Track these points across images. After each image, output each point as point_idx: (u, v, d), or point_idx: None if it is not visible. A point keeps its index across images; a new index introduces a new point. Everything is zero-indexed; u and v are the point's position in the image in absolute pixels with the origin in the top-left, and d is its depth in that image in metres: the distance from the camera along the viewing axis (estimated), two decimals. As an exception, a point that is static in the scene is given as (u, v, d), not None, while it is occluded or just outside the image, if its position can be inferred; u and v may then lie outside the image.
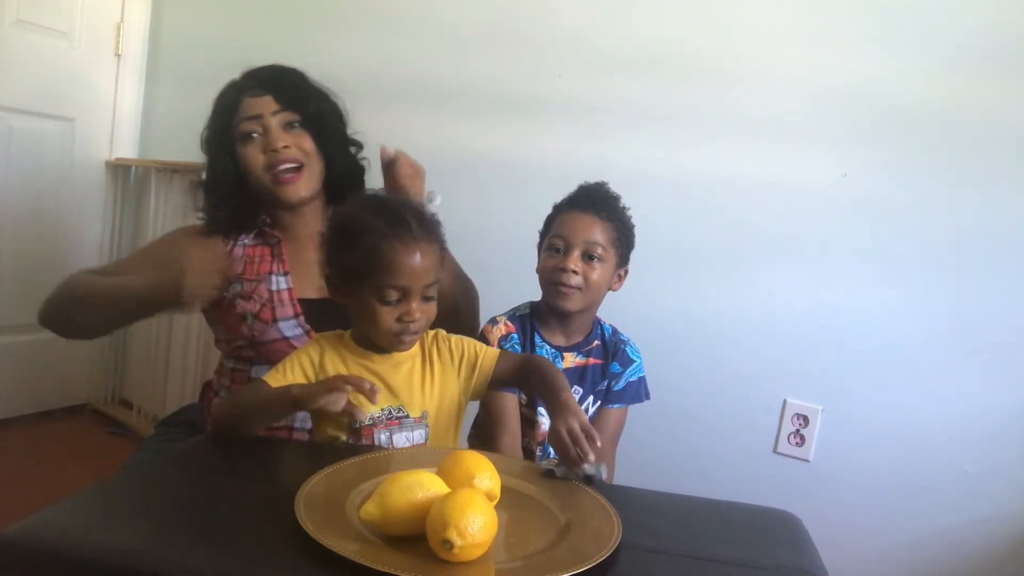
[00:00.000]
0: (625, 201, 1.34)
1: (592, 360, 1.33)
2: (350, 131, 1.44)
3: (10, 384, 2.39)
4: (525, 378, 1.12)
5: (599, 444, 0.94)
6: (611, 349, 1.34)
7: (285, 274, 1.35)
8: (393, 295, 1.02)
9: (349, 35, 2.23)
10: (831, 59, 1.72)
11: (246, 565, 0.70)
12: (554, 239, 1.28)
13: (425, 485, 0.77)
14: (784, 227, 1.78)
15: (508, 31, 2.04)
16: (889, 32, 1.67)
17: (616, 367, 1.34)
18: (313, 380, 1.05)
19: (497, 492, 0.84)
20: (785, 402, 1.81)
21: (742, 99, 1.80)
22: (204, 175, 1.40)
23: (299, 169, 1.33)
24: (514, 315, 1.35)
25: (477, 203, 2.06)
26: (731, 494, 1.00)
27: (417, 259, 1.01)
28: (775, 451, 1.82)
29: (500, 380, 1.12)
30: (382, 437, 1.07)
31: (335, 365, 1.06)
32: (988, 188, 1.61)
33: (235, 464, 0.97)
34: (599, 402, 1.35)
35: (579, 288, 1.25)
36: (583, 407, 1.32)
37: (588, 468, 0.93)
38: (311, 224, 1.37)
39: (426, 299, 1.04)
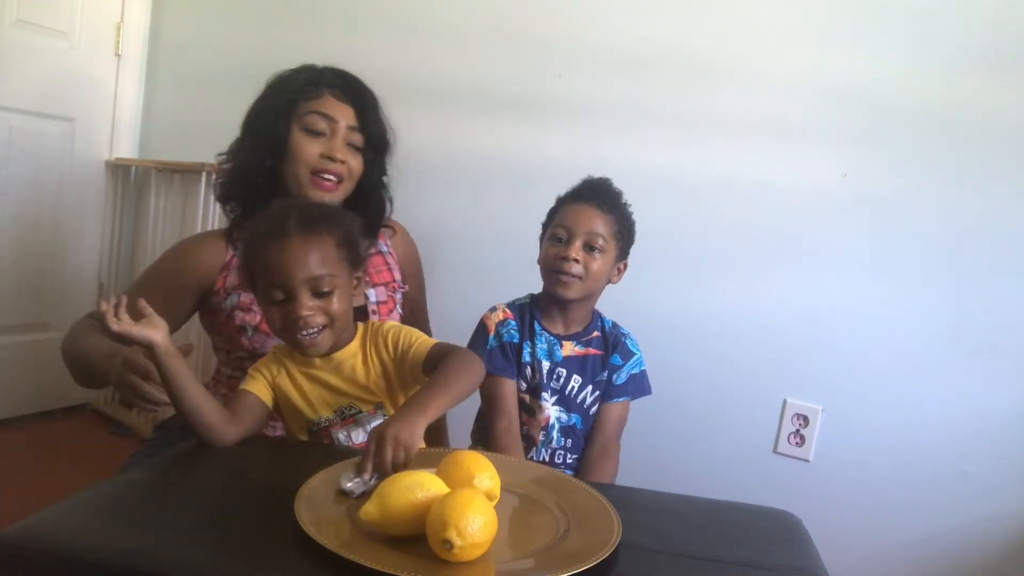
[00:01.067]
0: (625, 199, 1.37)
1: (592, 351, 1.35)
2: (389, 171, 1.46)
3: (10, 384, 2.39)
4: (440, 365, 1.04)
5: (387, 468, 0.85)
6: (611, 341, 1.36)
7: None
8: (277, 295, 1.01)
9: (349, 35, 2.23)
10: (831, 59, 1.72)
11: (246, 565, 0.71)
12: (557, 229, 1.31)
13: (425, 485, 0.77)
14: (784, 227, 1.78)
15: (508, 31, 2.04)
16: (889, 32, 1.67)
17: (617, 359, 1.36)
18: (270, 393, 1.07)
19: (497, 492, 0.84)
20: (785, 402, 1.80)
21: (742, 99, 1.79)
22: (242, 135, 1.37)
23: (339, 183, 1.34)
24: (513, 304, 1.37)
25: (477, 203, 2.06)
26: (731, 494, 1.00)
27: (290, 253, 0.99)
28: (775, 451, 1.82)
29: (430, 369, 1.06)
30: (340, 436, 1.08)
31: (283, 378, 1.07)
32: (988, 188, 1.61)
33: (235, 464, 0.97)
34: (598, 393, 1.35)
35: (579, 277, 1.28)
36: (581, 397, 1.33)
37: (345, 481, 0.84)
38: None
39: (319, 295, 1.01)
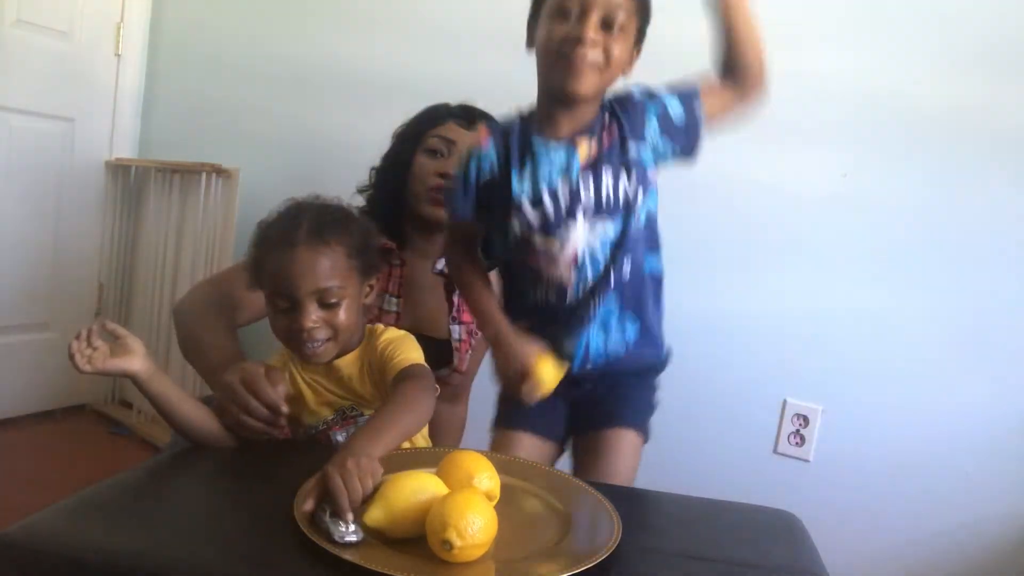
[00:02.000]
0: None
1: (607, 137, 1.08)
2: None
3: (10, 384, 2.39)
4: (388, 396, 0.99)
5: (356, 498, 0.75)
6: (623, 109, 1.09)
7: (398, 297, 1.41)
8: (282, 303, 0.99)
9: (349, 35, 2.23)
10: (831, 59, 1.72)
11: (246, 565, 0.71)
12: (563, 2, 1.01)
13: (428, 489, 0.77)
14: (784, 227, 1.78)
15: (508, 31, 2.03)
16: (890, 32, 1.67)
17: (654, 108, 1.10)
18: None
19: (497, 492, 0.84)
20: (785, 402, 1.80)
21: (742, 99, 1.79)
22: (381, 163, 1.50)
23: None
24: (497, 123, 1.14)
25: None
26: (731, 494, 1.00)
27: (298, 263, 0.96)
28: (775, 451, 1.82)
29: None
30: (339, 438, 1.07)
31: (291, 375, 1.07)
32: (989, 188, 1.61)
33: (235, 464, 0.97)
34: (635, 174, 1.08)
35: (598, 66, 1.02)
36: (614, 185, 1.07)
37: (336, 531, 0.73)
38: (431, 256, 1.46)
39: (326, 306, 0.98)
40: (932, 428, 1.66)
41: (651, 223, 1.16)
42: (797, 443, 1.79)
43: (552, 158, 1.07)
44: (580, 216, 1.06)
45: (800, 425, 1.79)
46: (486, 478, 0.83)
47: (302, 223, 0.99)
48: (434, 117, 1.45)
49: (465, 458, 0.85)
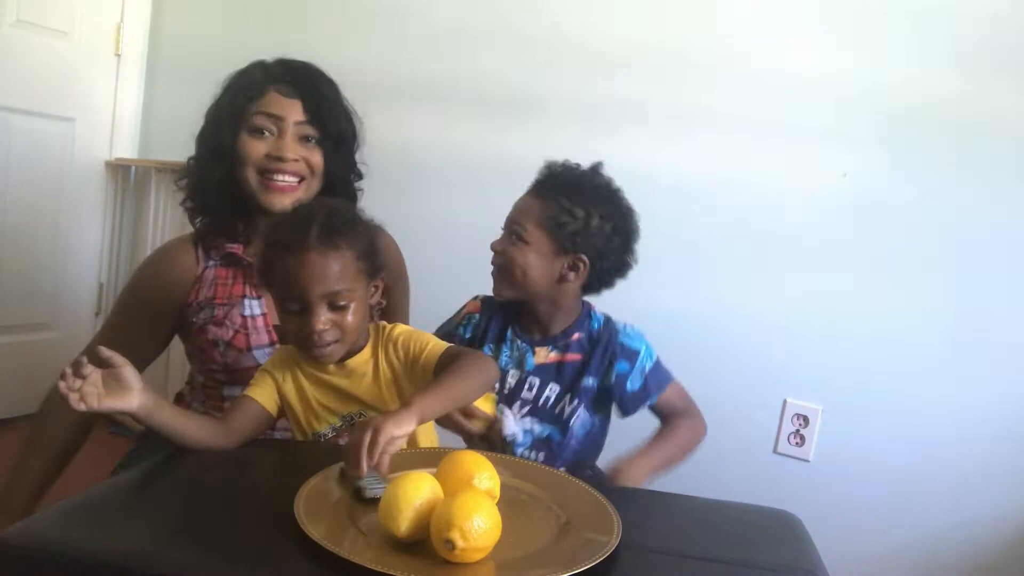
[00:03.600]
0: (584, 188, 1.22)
1: (570, 356, 1.21)
2: (357, 157, 1.38)
3: (10, 384, 2.39)
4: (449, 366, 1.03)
5: (373, 461, 0.83)
6: (599, 344, 1.21)
7: (258, 298, 1.28)
8: (292, 306, 0.99)
9: (349, 35, 2.23)
10: (831, 59, 1.72)
11: (246, 566, 0.71)
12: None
13: (427, 491, 0.76)
14: (784, 227, 1.78)
15: (508, 31, 2.04)
16: (890, 32, 1.67)
17: (623, 365, 1.20)
18: (276, 399, 1.05)
19: (497, 492, 0.84)
20: (785, 402, 1.80)
21: (742, 99, 1.79)
22: (196, 150, 1.33)
23: (298, 183, 1.27)
24: (492, 300, 1.26)
25: (476, 203, 2.06)
26: (731, 494, 1.00)
27: (310, 268, 0.96)
28: (775, 451, 1.82)
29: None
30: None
31: (289, 385, 1.06)
32: (989, 188, 1.61)
33: (235, 464, 0.97)
34: (577, 401, 1.20)
35: (500, 267, 1.18)
36: (559, 406, 1.20)
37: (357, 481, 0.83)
38: None
39: (335, 308, 0.99)
40: (932, 428, 1.66)
41: (592, 438, 1.25)
42: (797, 443, 1.79)
43: (514, 348, 1.22)
44: (516, 406, 1.19)
45: (800, 425, 1.79)
46: (486, 478, 0.83)
47: (312, 226, 0.98)
48: (251, 87, 1.27)
49: (465, 458, 0.85)
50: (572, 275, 1.19)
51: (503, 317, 1.24)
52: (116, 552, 0.71)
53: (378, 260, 1.05)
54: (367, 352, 1.07)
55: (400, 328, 1.09)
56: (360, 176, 1.40)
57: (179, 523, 0.80)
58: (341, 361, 1.05)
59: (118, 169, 2.58)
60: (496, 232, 1.24)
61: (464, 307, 1.29)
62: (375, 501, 0.78)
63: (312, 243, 0.97)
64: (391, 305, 1.45)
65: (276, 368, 1.07)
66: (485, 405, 1.10)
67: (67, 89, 2.43)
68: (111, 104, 2.56)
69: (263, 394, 1.05)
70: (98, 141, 2.54)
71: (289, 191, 1.26)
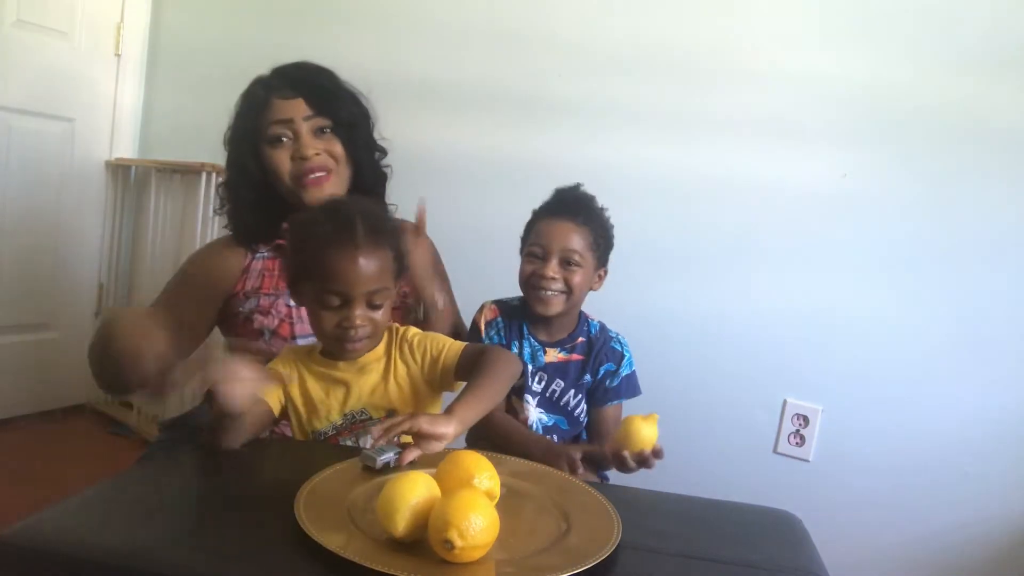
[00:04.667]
0: (624, 201, 1.36)
1: (575, 356, 1.35)
2: (376, 135, 1.41)
3: (10, 384, 2.39)
4: (475, 368, 1.07)
5: (390, 436, 0.92)
6: (596, 346, 1.36)
7: None
8: (334, 300, 1.01)
9: (349, 35, 2.23)
10: (831, 59, 1.72)
11: (246, 565, 0.71)
12: (533, 247, 1.31)
13: (423, 491, 0.76)
14: (784, 227, 1.78)
15: (508, 31, 2.04)
16: (890, 33, 1.67)
17: (611, 365, 1.36)
18: (282, 395, 1.06)
19: (497, 492, 0.84)
20: (785, 402, 1.80)
21: (742, 99, 1.80)
22: (225, 176, 1.38)
23: (328, 173, 1.31)
24: (504, 302, 1.38)
25: (476, 203, 2.06)
26: (731, 494, 1.00)
27: (358, 265, 1.00)
28: (775, 451, 1.82)
29: (464, 373, 1.09)
30: (348, 443, 1.08)
31: (295, 386, 1.07)
32: (988, 188, 1.61)
33: (235, 464, 0.97)
34: (581, 396, 1.36)
35: (562, 292, 1.29)
36: (564, 400, 1.35)
37: (367, 447, 0.91)
38: None
39: (372, 306, 1.03)
40: (932, 428, 1.66)
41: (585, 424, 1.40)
42: (797, 443, 1.80)
43: (528, 346, 1.35)
44: (530, 399, 1.33)
45: (800, 425, 1.79)
46: (486, 478, 0.83)
47: (357, 223, 1.01)
48: (256, 104, 1.31)
49: (465, 458, 0.85)
50: (597, 284, 1.35)
51: (518, 318, 1.36)
52: (116, 552, 0.71)
53: (405, 262, 1.09)
54: (380, 350, 1.10)
55: (414, 331, 1.13)
56: (384, 153, 1.44)
57: (179, 523, 0.80)
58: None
59: (118, 169, 2.58)
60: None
61: (480, 316, 1.37)
62: (380, 474, 0.86)
63: (360, 241, 1.00)
64: (440, 305, 1.48)
65: (284, 368, 1.08)
66: (651, 431, 1.14)
67: (67, 89, 2.43)
68: (111, 104, 2.56)
69: (270, 394, 1.05)
70: (98, 141, 2.55)
71: (322, 181, 1.30)
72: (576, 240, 1.29)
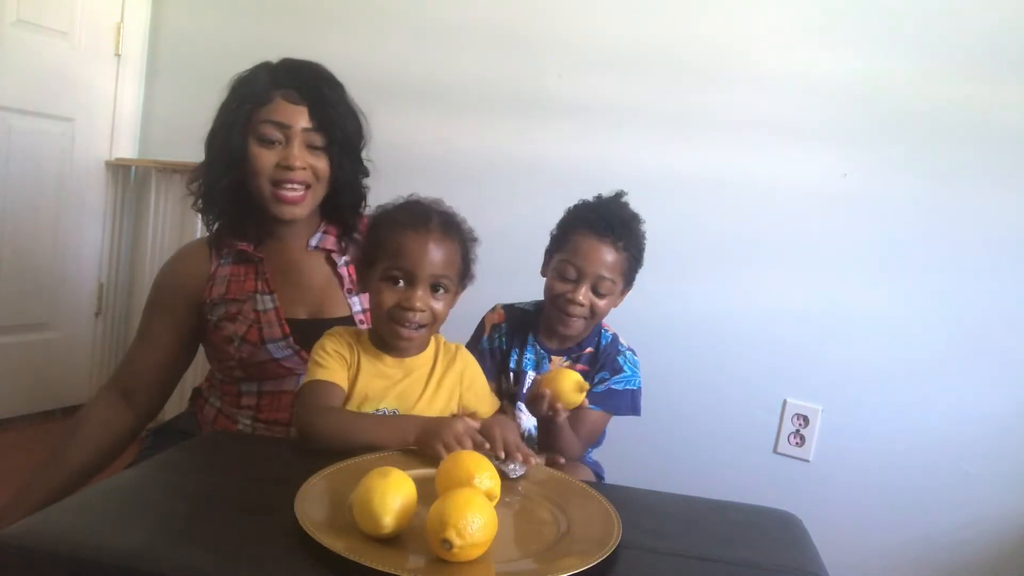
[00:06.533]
0: (641, 220, 1.31)
1: (578, 366, 1.32)
2: (364, 155, 1.39)
3: (10, 384, 2.39)
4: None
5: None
6: (602, 359, 1.32)
7: (271, 293, 1.29)
8: (398, 274, 1.03)
9: (349, 35, 2.23)
10: (831, 59, 1.72)
11: (246, 565, 0.71)
12: (566, 264, 1.25)
13: (404, 487, 0.76)
14: (785, 227, 1.78)
15: (508, 31, 2.04)
16: (890, 33, 1.67)
17: (605, 374, 1.32)
18: (348, 371, 1.06)
19: (497, 492, 0.84)
20: (785, 402, 1.81)
21: (743, 99, 1.80)
22: (206, 148, 1.33)
23: (305, 191, 1.28)
24: (514, 307, 1.36)
25: (476, 203, 2.04)
26: (731, 494, 1.00)
27: (428, 248, 1.03)
28: (775, 451, 1.82)
29: None
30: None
31: (356, 363, 1.07)
32: (989, 188, 1.61)
33: (234, 464, 0.97)
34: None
35: (584, 317, 1.26)
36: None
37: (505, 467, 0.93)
38: (300, 236, 1.35)
39: (435, 292, 1.05)
40: (932, 428, 1.66)
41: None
42: (797, 443, 1.80)
43: (532, 353, 1.33)
44: (523, 406, 1.29)
45: (800, 425, 1.79)
46: (486, 478, 0.83)
47: (432, 214, 1.06)
48: (257, 93, 1.26)
49: (465, 458, 0.85)
50: (617, 301, 1.32)
51: (525, 324, 1.34)
52: (116, 552, 0.71)
53: (471, 268, 1.12)
54: (429, 354, 1.11)
55: (466, 353, 1.16)
56: (367, 174, 1.42)
57: (179, 523, 0.80)
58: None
59: (118, 169, 2.58)
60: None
61: (488, 318, 1.36)
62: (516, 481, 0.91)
63: (434, 227, 1.05)
64: None
65: (342, 351, 1.07)
66: (577, 398, 1.17)
67: (67, 89, 2.43)
68: (111, 104, 2.56)
69: (341, 377, 1.05)
70: (98, 141, 2.54)
71: (298, 201, 1.29)
72: (613, 266, 1.24)
